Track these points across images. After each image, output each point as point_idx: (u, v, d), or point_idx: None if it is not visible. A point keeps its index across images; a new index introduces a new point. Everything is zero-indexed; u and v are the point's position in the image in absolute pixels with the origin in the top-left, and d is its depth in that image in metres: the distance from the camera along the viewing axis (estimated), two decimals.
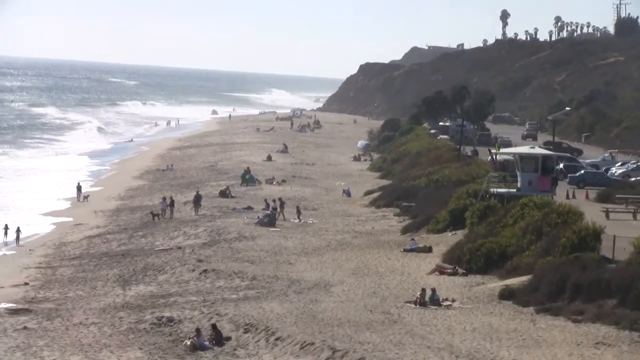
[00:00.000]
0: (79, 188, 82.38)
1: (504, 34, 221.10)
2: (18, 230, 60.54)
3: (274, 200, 70.12)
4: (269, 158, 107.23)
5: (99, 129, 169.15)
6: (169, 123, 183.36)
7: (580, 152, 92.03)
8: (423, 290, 41.99)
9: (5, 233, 60.63)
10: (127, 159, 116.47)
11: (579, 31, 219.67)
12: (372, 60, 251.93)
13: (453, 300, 41.77)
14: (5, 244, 60.09)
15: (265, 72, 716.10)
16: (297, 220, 66.02)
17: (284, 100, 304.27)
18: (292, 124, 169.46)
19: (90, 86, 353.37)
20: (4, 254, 57.76)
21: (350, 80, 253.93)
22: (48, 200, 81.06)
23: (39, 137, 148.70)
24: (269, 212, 66.48)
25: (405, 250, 54.15)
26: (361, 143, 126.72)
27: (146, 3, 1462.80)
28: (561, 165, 70.83)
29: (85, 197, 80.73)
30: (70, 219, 70.82)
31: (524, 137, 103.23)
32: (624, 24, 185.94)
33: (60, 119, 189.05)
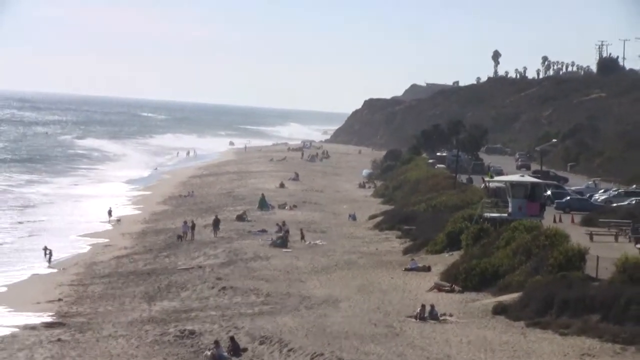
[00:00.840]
0: (109, 212, 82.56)
1: (495, 72, 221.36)
2: (50, 252, 60.47)
3: (284, 224, 70.28)
4: (282, 185, 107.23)
5: (134, 159, 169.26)
6: (188, 153, 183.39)
7: (566, 180, 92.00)
8: (423, 306, 41.97)
9: (45, 254, 60.52)
10: (152, 186, 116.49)
11: (564, 69, 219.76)
12: (375, 96, 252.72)
13: (450, 315, 41.76)
14: (49, 262, 60.02)
15: (278, 107, 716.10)
16: (303, 242, 66.14)
17: (295, 133, 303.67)
18: (302, 154, 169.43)
19: (122, 120, 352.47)
20: (41, 273, 57.83)
21: (356, 114, 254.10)
22: (87, 223, 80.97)
23: (82, 167, 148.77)
24: (281, 234, 66.59)
25: (406, 270, 54.10)
26: (365, 172, 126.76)
27: (166, 45, 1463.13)
28: (549, 192, 70.84)
29: (118, 220, 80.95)
30: (106, 240, 70.86)
31: (519, 167, 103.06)
32: (606, 63, 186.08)
33: (100, 150, 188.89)
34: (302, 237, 67.20)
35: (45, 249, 60.55)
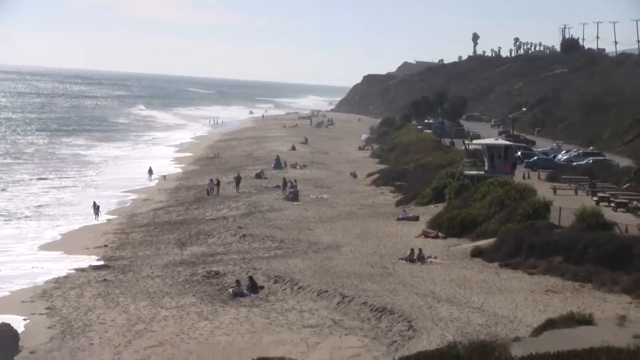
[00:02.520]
0: (149, 171, 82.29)
1: (474, 51, 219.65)
2: (98, 207, 60.18)
3: (295, 181, 70.09)
4: (293, 148, 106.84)
5: (182, 126, 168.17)
6: (215, 121, 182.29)
7: (533, 143, 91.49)
8: (412, 250, 41.94)
9: (94, 209, 60.22)
10: (186, 149, 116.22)
11: (532, 49, 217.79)
12: (373, 72, 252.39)
13: (435, 258, 41.75)
14: (96, 215, 59.78)
15: (292, 81, 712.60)
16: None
17: (307, 104, 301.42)
18: (311, 121, 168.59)
19: (172, 93, 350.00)
20: (90, 224, 57.80)
21: (356, 87, 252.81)
22: (131, 180, 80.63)
23: (140, 133, 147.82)
24: (292, 190, 66.39)
25: (398, 219, 54.03)
26: (364, 136, 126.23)
27: (208, 30, 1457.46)
28: (519, 153, 70.51)
29: (164, 177, 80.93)
30: (145, 195, 70.66)
31: (500, 134, 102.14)
32: (568, 43, 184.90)
33: (150, 118, 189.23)
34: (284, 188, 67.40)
35: (94, 204, 60.35)
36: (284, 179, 71.16)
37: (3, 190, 72.02)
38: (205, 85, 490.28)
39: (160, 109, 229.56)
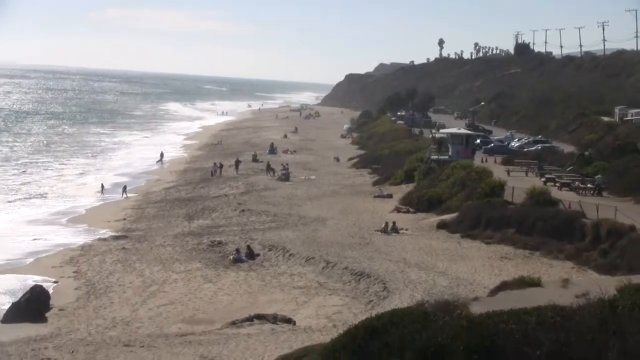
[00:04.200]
0: (161, 155, 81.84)
1: (440, 54, 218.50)
2: (125, 187, 59.18)
3: (287, 164, 69.89)
4: (285, 136, 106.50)
5: (190, 118, 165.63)
6: (224, 112, 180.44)
7: (490, 132, 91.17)
8: (386, 223, 41.95)
9: (123, 191, 58.99)
10: (193, 136, 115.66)
11: (490, 52, 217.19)
12: (353, 72, 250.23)
13: (406, 230, 41.73)
14: (124, 193, 58.46)
15: (285, 79, 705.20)
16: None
17: (298, 98, 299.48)
18: (300, 113, 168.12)
19: (188, 89, 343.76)
20: (109, 200, 57.50)
21: (339, 84, 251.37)
22: (146, 164, 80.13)
23: (157, 123, 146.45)
24: (285, 172, 66.22)
25: (375, 197, 54.00)
26: (346, 126, 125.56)
27: (213, 36, 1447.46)
28: (478, 141, 70.40)
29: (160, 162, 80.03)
30: (157, 176, 70.35)
31: (466, 125, 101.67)
32: (520, 48, 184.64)
33: (165, 111, 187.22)
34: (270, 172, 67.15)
35: (124, 187, 59.14)
36: (268, 162, 71.01)
37: (39, 171, 71.59)
38: (218, 83, 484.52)
39: (180, 102, 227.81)
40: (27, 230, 45.33)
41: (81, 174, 72.22)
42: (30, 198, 57.71)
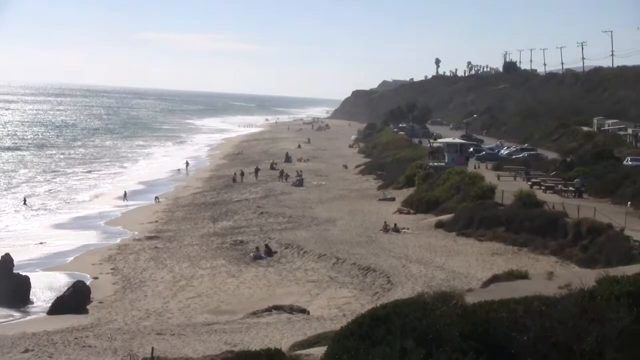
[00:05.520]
0: (186, 164, 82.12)
1: (437, 72, 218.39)
2: (157, 197, 59.12)
3: (301, 171, 69.92)
4: (299, 146, 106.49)
5: (215, 130, 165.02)
6: (248, 125, 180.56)
7: (482, 141, 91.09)
8: (385, 222, 41.95)
9: (156, 198, 58.82)
10: (217, 147, 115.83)
11: (481, 70, 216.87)
12: (359, 88, 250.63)
13: (407, 229, 41.67)
14: (156, 200, 58.61)
15: (299, 95, 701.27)
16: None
17: (311, 113, 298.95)
18: (312, 126, 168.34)
19: (219, 107, 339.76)
20: (142, 205, 57.63)
21: (347, 100, 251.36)
22: (174, 171, 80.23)
23: (185, 135, 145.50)
24: (299, 178, 66.25)
25: (379, 200, 53.94)
26: (353, 137, 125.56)
27: (241, 55, 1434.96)
28: (471, 149, 70.28)
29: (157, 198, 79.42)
30: (185, 183, 70.52)
31: (462, 136, 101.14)
32: (508, 65, 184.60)
33: (193, 124, 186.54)
34: (282, 175, 67.54)
35: (156, 197, 58.99)
36: (281, 169, 71.00)
37: (79, 179, 71.85)
38: (245, 99, 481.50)
39: (211, 117, 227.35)
40: (67, 233, 45.51)
41: (114, 179, 72.68)
42: (69, 202, 58.12)
